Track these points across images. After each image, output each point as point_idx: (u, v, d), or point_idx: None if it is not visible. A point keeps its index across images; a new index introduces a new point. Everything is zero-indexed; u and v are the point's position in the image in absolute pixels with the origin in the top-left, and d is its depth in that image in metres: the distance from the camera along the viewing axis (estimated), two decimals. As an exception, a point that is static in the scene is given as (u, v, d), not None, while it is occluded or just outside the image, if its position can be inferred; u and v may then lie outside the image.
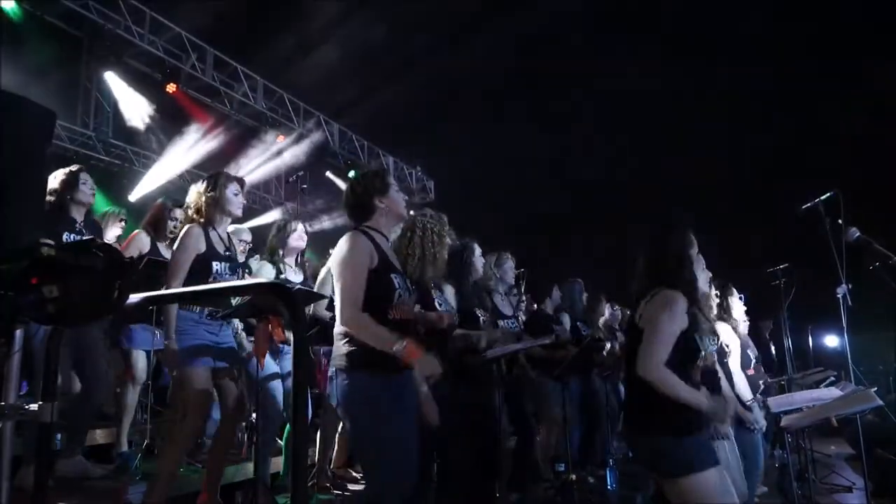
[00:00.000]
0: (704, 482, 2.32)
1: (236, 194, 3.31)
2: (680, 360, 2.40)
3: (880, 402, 3.42)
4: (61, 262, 1.35)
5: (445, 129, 14.52)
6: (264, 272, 4.08)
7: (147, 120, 9.03)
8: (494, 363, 3.80)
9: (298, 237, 4.24)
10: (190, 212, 3.28)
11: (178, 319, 3.07)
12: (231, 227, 5.03)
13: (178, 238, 3.19)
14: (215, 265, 3.16)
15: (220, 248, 3.24)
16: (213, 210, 3.24)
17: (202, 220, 3.23)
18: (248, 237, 5.06)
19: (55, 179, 3.74)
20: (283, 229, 4.23)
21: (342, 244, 2.51)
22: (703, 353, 2.46)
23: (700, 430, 2.43)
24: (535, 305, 6.09)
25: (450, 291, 3.64)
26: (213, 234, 3.24)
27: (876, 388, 3.66)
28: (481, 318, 3.97)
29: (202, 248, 3.15)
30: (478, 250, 3.96)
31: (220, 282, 3.17)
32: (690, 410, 2.37)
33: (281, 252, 4.21)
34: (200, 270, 3.12)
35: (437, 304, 3.25)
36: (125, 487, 3.51)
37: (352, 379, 2.40)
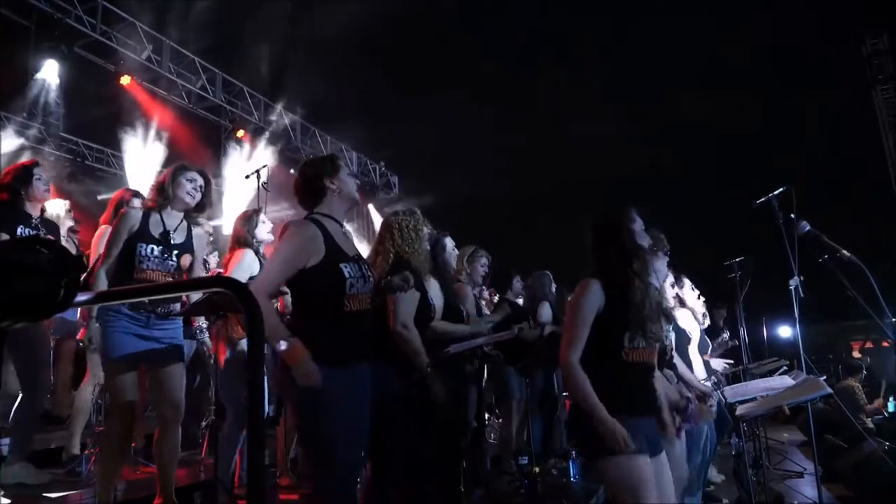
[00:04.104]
0: (618, 466, 2.27)
1: (190, 180, 3.21)
2: (602, 344, 2.36)
3: (829, 391, 3.54)
4: (2, 260, 1.29)
5: (410, 123, 14.48)
6: (247, 261, 3.93)
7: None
8: (467, 357, 3.83)
9: (266, 230, 4.13)
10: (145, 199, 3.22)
11: (97, 308, 2.96)
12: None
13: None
14: (140, 247, 3.04)
15: (155, 231, 3.12)
16: (157, 195, 3.16)
17: (149, 205, 3.16)
18: (208, 228, 4.97)
19: (7, 175, 3.65)
20: (251, 220, 4.09)
21: (286, 231, 2.49)
22: (630, 335, 2.35)
23: (636, 412, 2.34)
24: (497, 296, 6.06)
25: (434, 286, 3.63)
26: (153, 217, 3.13)
27: (825, 377, 3.80)
28: (464, 312, 3.97)
29: (135, 227, 3.06)
30: (450, 244, 3.94)
31: (146, 265, 3.06)
32: (614, 394, 2.30)
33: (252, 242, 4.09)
34: (124, 252, 3.03)
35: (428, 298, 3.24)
36: (76, 492, 3.41)
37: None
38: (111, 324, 2.97)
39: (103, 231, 4.14)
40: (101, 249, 3.91)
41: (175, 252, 3.17)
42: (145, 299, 3.04)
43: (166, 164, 7.77)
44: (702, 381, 3.86)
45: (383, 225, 3.22)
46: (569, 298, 2.51)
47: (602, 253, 2.50)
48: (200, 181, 3.27)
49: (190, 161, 3.48)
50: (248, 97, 11.09)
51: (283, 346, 2.28)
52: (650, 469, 2.33)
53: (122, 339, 2.97)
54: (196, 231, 3.33)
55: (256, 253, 3.96)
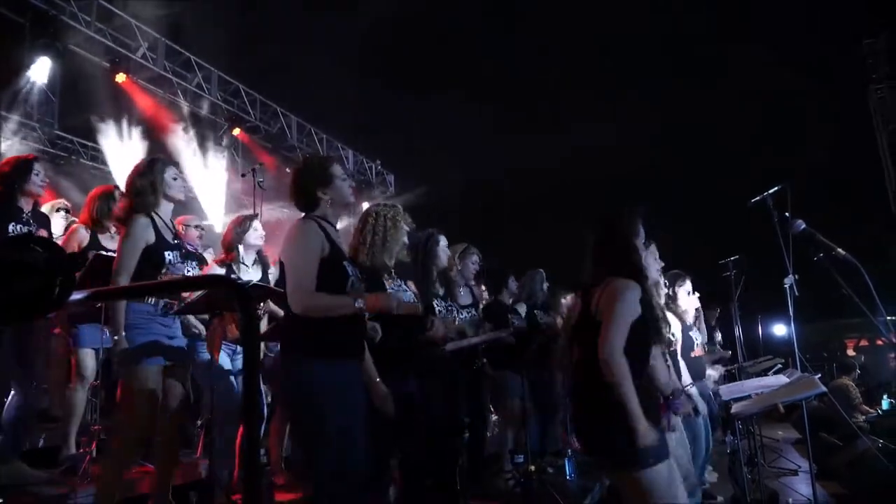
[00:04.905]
0: (656, 476, 2.29)
1: (175, 178, 3.19)
2: (638, 347, 2.40)
3: (824, 389, 3.55)
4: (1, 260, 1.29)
5: (407, 122, 14.46)
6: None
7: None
8: (456, 356, 3.83)
9: (258, 236, 4.15)
10: (128, 199, 3.11)
11: (131, 313, 2.91)
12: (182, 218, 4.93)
13: (126, 229, 3.01)
14: (168, 255, 3.03)
15: (169, 236, 3.11)
16: (152, 197, 3.09)
17: (143, 207, 3.07)
18: (199, 222, 4.95)
19: (6, 166, 3.60)
20: (242, 224, 4.12)
21: (293, 231, 2.50)
22: (663, 337, 2.46)
23: (654, 421, 2.36)
24: (493, 297, 6.07)
25: (410, 286, 3.62)
26: (158, 221, 3.09)
27: (820, 375, 3.81)
28: (438, 309, 3.96)
29: (151, 238, 3.00)
30: (443, 241, 3.94)
31: (172, 272, 3.04)
32: (645, 399, 2.34)
33: (239, 248, 4.11)
34: (152, 261, 2.98)
35: (389, 290, 3.21)
36: (73, 491, 3.40)
37: (304, 367, 2.37)
38: (143, 326, 2.94)
39: (75, 229, 4.08)
40: (73, 247, 3.89)
41: (189, 255, 3.20)
42: (174, 301, 3.06)
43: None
44: (687, 387, 3.85)
45: (362, 215, 3.21)
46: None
47: (625, 260, 2.52)
48: (178, 172, 3.27)
49: (175, 158, 3.47)
50: (244, 95, 11.06)
51: (361, 303, 2.43)
52: (675, 470, 2.40)
53: (153, 341, 2.96)
54: (190, 229, 3.35)
55: (222, 264, 4.04)
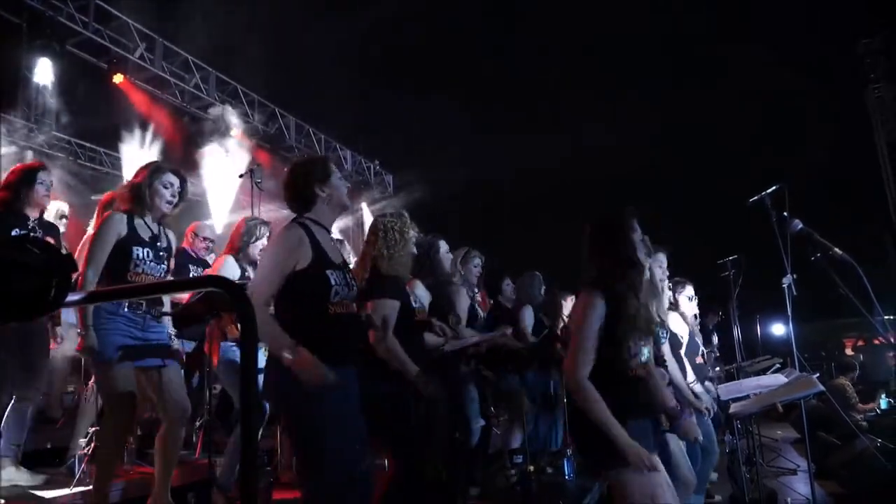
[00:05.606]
0: (634, 479, 2.23)
1: (167, 186, 3.16)
2: (608, 356, 2.34)
3: (822, 388, 3.55)
4: (-4, 259, 1.28)
5: (406, 122, 14.45)
6: (227, 268, 3.92)
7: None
8: (461, 357, 3.84)
9: (259, 247, 4.09)
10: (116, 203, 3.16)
11: (93, 313, 2.90)
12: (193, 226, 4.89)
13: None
14: (135, 250, 3.01)
15: (145, 235, 3.10)
16: (134, 201, 3.11)
17: (125, 209, 3.11)
18: (209, 233, 4.92)
19: (12, 174, 3.61)
20: (251, 233, 4.05)
21: (277, 235, 2.50)
22: (632, 345, 2.35)
23: (636, 416, 2.31)
24: (490, 300, 6.06)
25: (421, 288, 3.63)
26: (137, 221, 3.10)
27: (818, 374, 3.82)
28: (450, 317, 3.97)
29: (123, 231, 3.01)
30: (444, 247, 3.93)
31: (141, 268, 3.04)
32: (625, 396, 2.30)
33: (242, 254, 4.07)
34: (119, 255, 2.98)
35: (412, 301, 3.25)
36: (71, 492, 3.40)
37: (277, 371, 2.34)
38: (107, 326, 2.92)
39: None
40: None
41: (164, 256, 3.17)
42: (142, 300, 3.03)
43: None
44: (691, 384, 3.85)
45: (370, 227, 3.24)
46: (570, 309, 2.50)
47: (600, 260, 2.49)
48: (177, 184, 3.22)
49: (174, 160, 3.46)
50: (241, 96, 11.04)
51: (290, 353, 2.26)
52: (662, 467, 2.33)
53: (118, 341, 2.93)
54: (170, 233, 3.32)
55: (237, 259, 3.95)
